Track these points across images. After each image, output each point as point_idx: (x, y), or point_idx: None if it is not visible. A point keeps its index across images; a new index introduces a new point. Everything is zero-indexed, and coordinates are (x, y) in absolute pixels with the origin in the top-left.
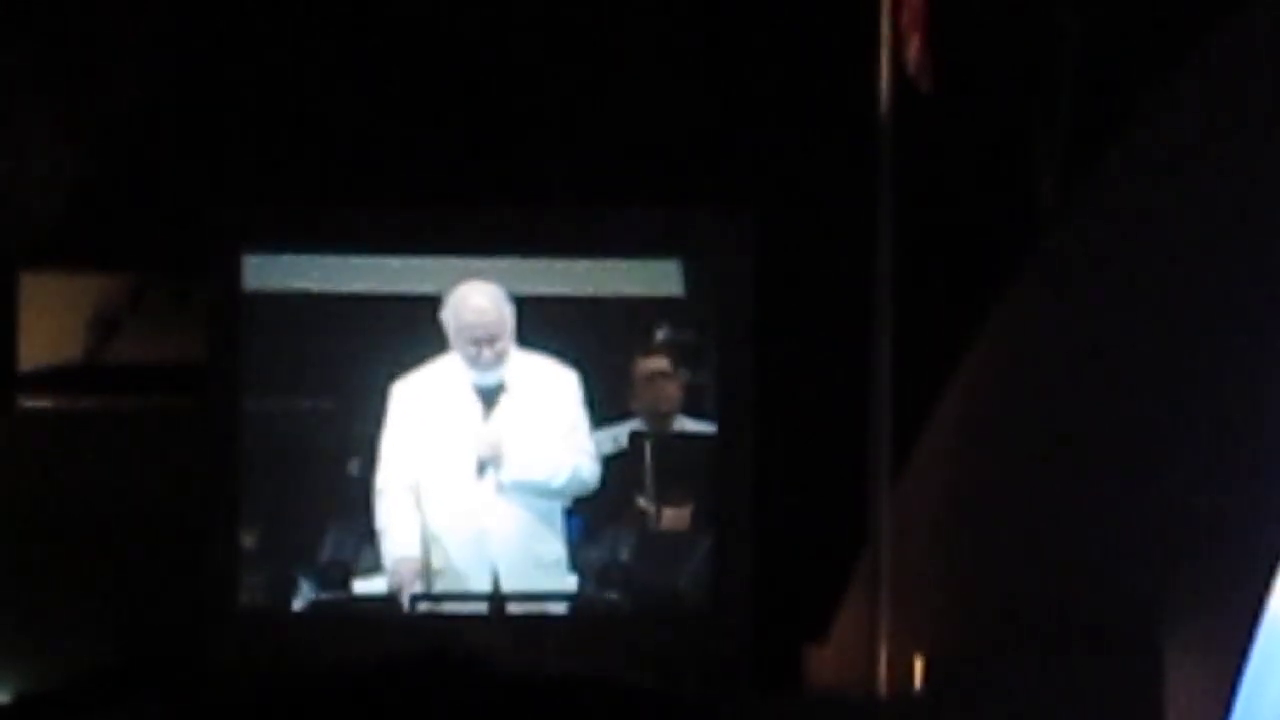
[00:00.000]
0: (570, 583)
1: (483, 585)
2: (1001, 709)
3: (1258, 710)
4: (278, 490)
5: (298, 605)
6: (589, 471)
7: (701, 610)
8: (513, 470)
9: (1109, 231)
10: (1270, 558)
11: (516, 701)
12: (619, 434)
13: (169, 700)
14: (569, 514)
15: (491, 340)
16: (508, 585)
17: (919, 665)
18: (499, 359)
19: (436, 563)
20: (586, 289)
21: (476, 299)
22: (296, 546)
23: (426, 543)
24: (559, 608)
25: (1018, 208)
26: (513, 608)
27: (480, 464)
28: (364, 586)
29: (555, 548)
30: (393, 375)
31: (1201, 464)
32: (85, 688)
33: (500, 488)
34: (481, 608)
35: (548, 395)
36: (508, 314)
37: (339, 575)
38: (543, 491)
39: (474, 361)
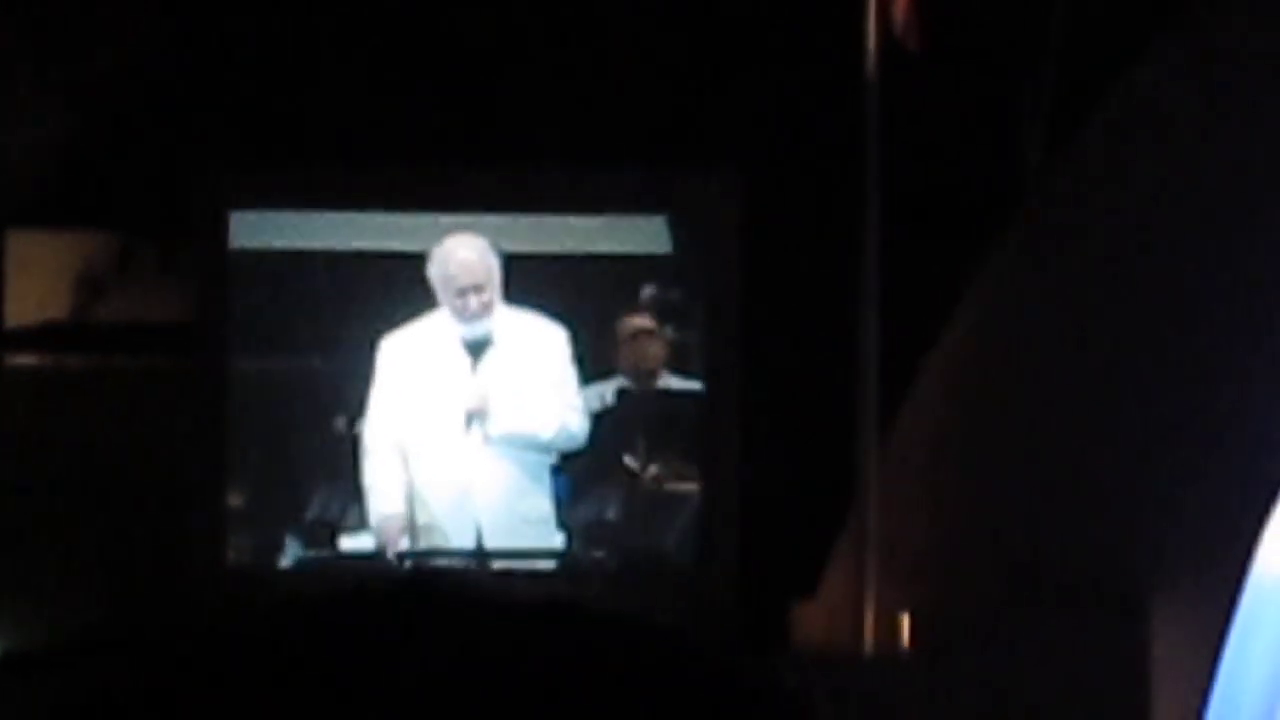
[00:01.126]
0: (557, 540)
1: (467, 542)
2: (988, 666)
3: (1244, 668)
4: (265, 449)
5: (284, 563)
6: (578, 426)
7: (688, 568)
8: (500, 423)
9: (1093, 194)
10: (1257, 516)
11: (498, 622)
12: (605, 391)
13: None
14: (556, 471)
15: (478, 289)
16: (492, 542)
17: (905, 623)
18: (485, 309)
19: (421, 519)
20: (573, 246)
21: (462, 251)
22: (284, 505)
23: (412, 500)
24: (545, 565)
25: (1005, 167)
26: (498, 565)
27: (467, 417)
28: (351, 544)
29: (541, 504)
30: (380, 332)
31: (1188, 423)
32: (71, 647)
33: (487, 441)
34: (465, 564)
35: (536, 350)
36: (494, 265)
37: (326, 533)
38: (531, 445)
39: (461, 313)
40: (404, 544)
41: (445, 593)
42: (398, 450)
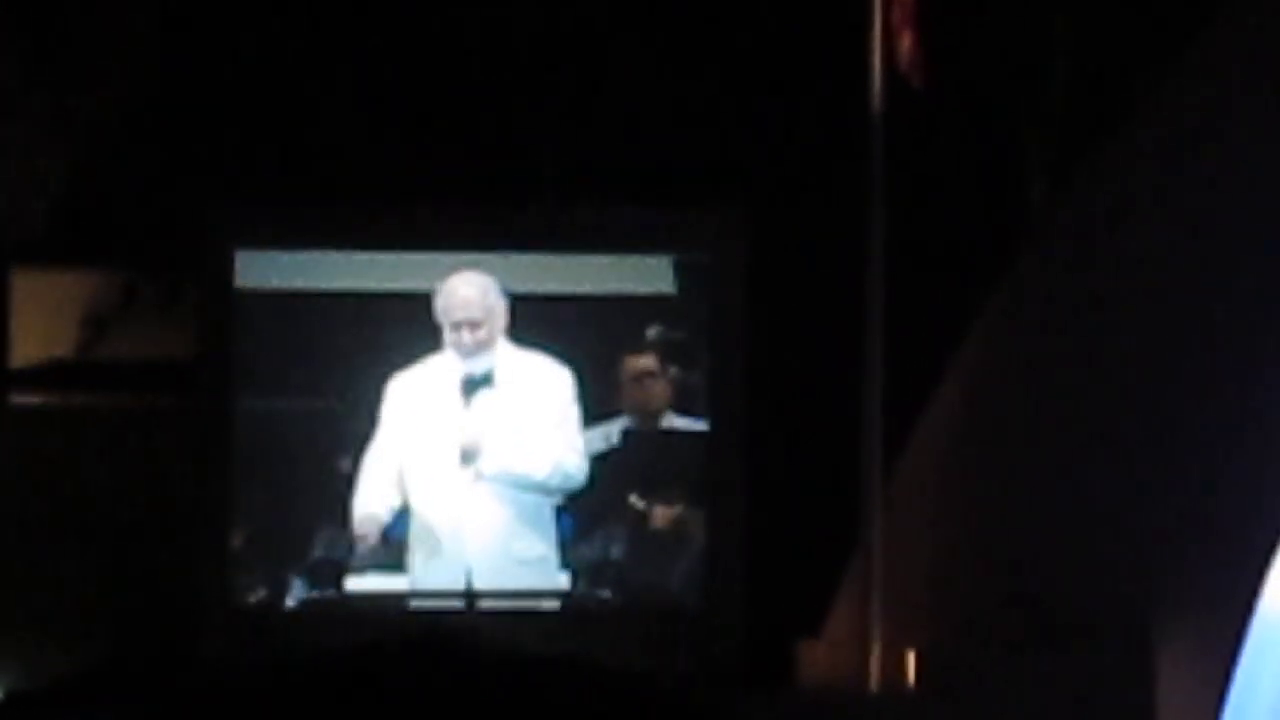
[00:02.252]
0: (559, 580)
1: (459, 579)
2: (993, 704)
3: (1249, 706)
4: (269, 489)
5: (290, 604)
6: (575, 468)
7: (694, 607)
8: (494, 462)
9: (1101, 229)
10: (1263, 553)
11: (504, 682)
12: (610, 431)
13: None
14: (560, 511)
15: (473, 325)
16: (481, 582)
17: (911, 661)
18: (481, 346)
19: (416, 555)
20: (578, 286)
21: (464, 288)
22: (288, 545)
23: (410, 537)
24: (549, 605)
25: (1010, 205)
26: (494, 604)
27: (462, 455)
28: (356, 585)
29: (537, 545)
30: (385, 374)
31: (1194, 460)
32: (76, 687)
33: (480, 479)
34: (457, 604)
35: (537, 390)
36: (495, 303)
37: (331, 574)
38: (525, 486)
39: (459, 348)
40: (373, 541)
41: (457, 648)
42: (393, 471)
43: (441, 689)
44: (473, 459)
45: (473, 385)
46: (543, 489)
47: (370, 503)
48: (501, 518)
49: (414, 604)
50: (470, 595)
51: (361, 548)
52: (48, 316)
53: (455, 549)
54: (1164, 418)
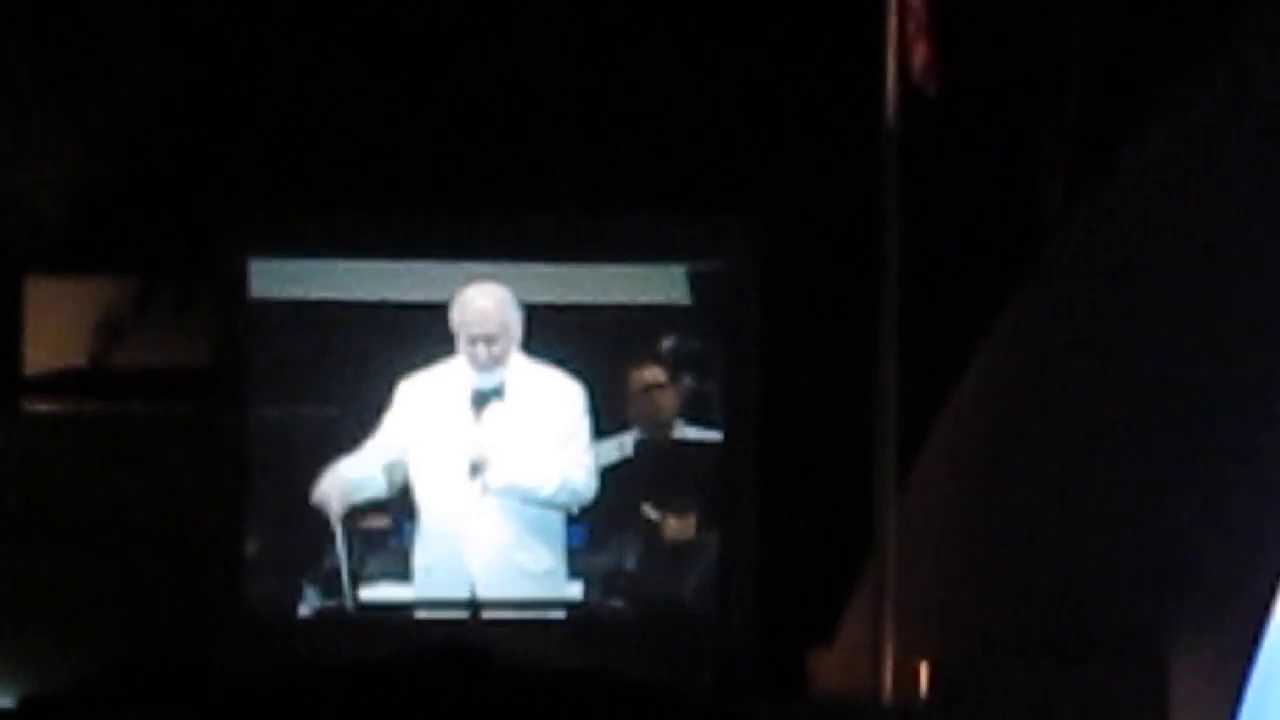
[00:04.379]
0: (573, 590)
1: (462, 588)
2: (1004, 715)
3: (1262, 718)
4: (283, 497)
5: (304, 612)
6: (582, 483)
7: (707, 616)
8: (500, 475)
9: (1114, 238)
10: (1274, 570)
11: (524, 693)
12: (624, 442)
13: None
14: (571, 522)
15: (489, 340)
16: (485, 591)
17: (923, 671)
18: (496, 361)
19: (422, 562)
20: (593, 296)
21: (480, 300)
22: (302, 553)
23: (416, 545)
24: (555, 615)
25: (1023, 214)
26: (497, 614)
27: (470, 467)
28: (370, 593)
29: (543, 557)
30: (398, 382)
31: (1208, 475)
32: (90, 692)
33: (487, 491)
34: (460, 614)
35: (547, 403)
36: (511, 316)
37: (342, 582)
38: (530, 499)
39: (473, 361)
40: (336, 508)
41: (478, 660)
42: (384, 463)
43: (467, 701)
44: (481, 471)
45: (483, 398)
46: (549, 504)
47: (347, 467)
48: (507, 530)
49: (422, 614)
50: (476, 605)
51: (326, 507)
52: (62, 325)
53: (461, 559)
54: (1177, 432)
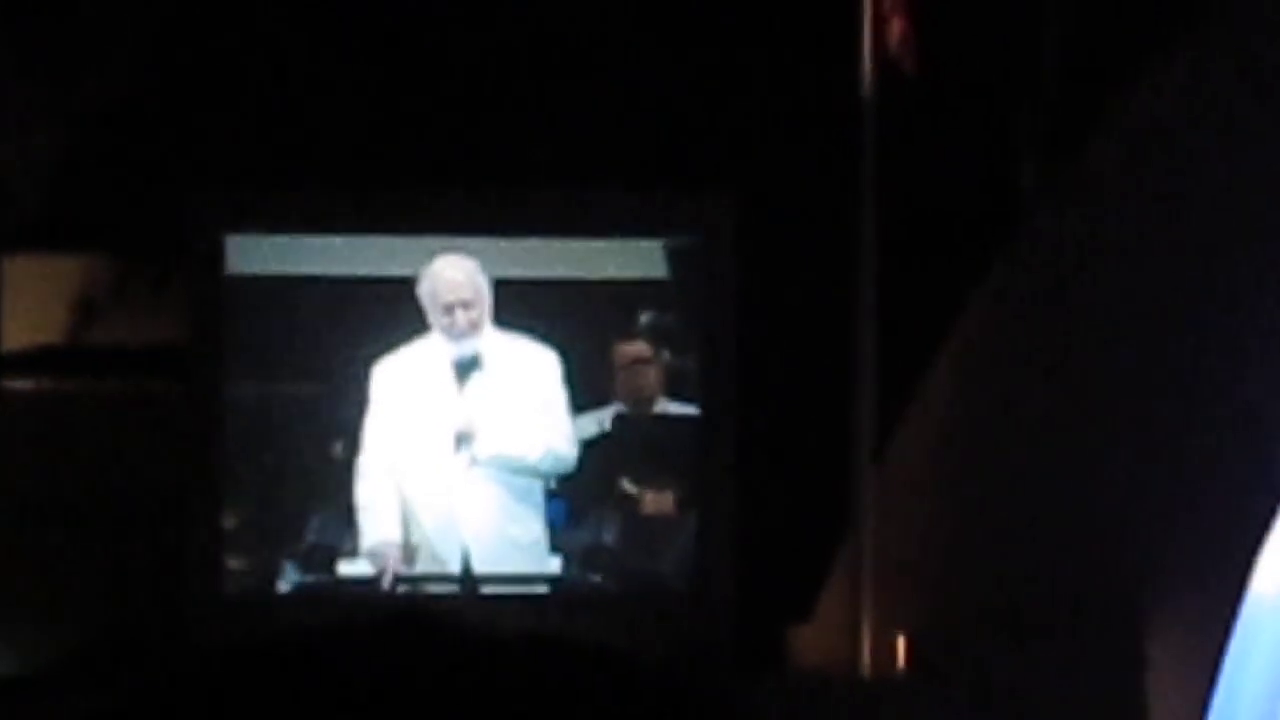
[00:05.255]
0: (551, 565)
1: (456, 564)
2: (985, 687)
3: (1240, 690)
4: (261, 474)
5: (283, 588)
6: (565, 450)
7: (685, 592)
8: (487, 446)
9: (1093, 215)
10: (1254, 536)
11: (482, 660)
12: (602, 418)
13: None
14: (550, 496)
15: (465, 305)
16: (480, 565)
17: (901, 644)
18: (474, 327)
19: (413, 539)
20: (569, 271)
21: (449, 271)
22: (281, 530)
23: (407, 523)
24: (540, 589)
25: (1002, 189)
26: (491, 589)
27: (456, 439)
28: (349, 569)
29: (533, 529)
30: (376, 357)
31: (1185, 443)
32: (66, 672)
33: (475, 463)
34: (454, 588)
35: (524, 372)
36: (482, 284)
37: (324, 558)
38: (518, 469)
39: (449, 331)
40: (399, 568)
41: (432, 626)
42: (392, 475)
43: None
44: (467, 443)
45: (463, 368)
46: (534, 472)
47: (379, 529)
48: (497, 501)
49: (407, 589)
50: (465, 580)
51: (384, 577)
52: (38, 302)
53: (450, 533)
54: (1154, 402)
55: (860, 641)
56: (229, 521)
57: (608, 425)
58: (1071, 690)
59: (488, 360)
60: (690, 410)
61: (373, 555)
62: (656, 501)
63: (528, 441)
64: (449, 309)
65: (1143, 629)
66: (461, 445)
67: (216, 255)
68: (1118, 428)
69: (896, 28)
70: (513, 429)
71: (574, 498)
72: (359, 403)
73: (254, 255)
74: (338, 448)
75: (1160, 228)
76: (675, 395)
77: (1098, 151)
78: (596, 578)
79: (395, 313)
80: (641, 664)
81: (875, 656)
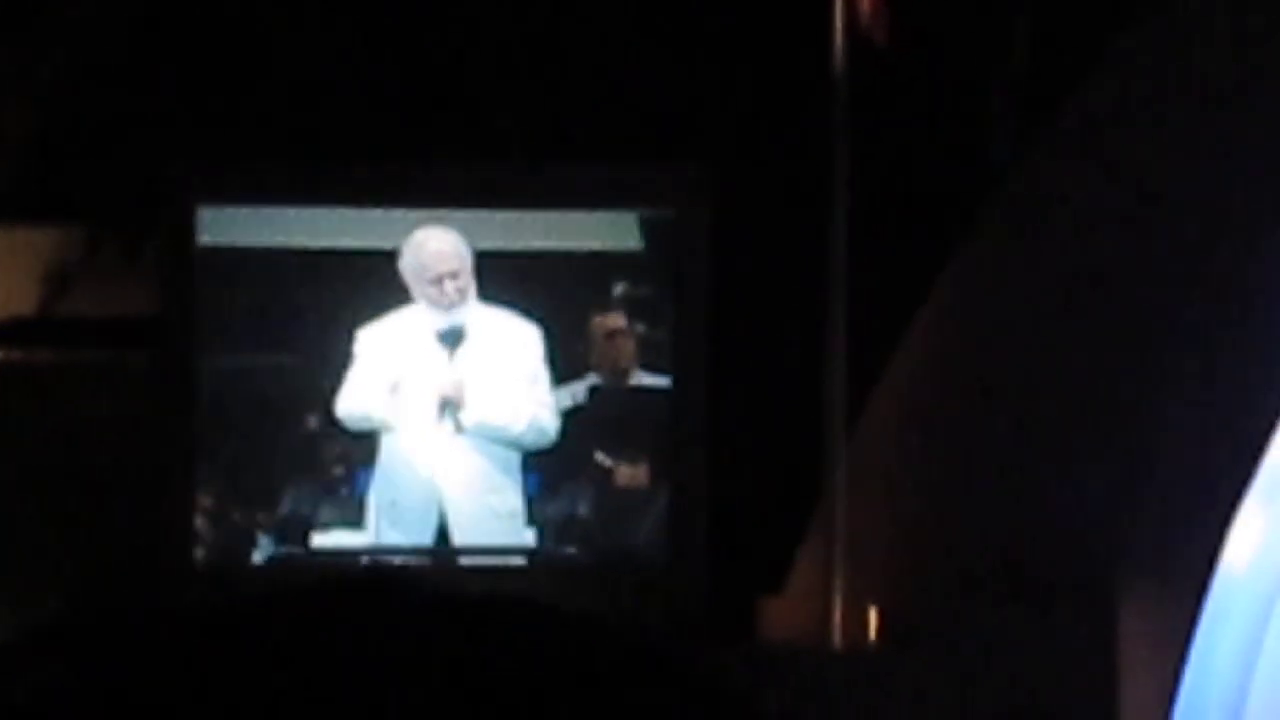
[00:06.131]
0: (527, 536)
1: (432, 531)
2: (956, 660)
3: (1211, 662)
4: (235, 445)
5: (256, 560)
6: (548, 422)
7: (658, 564)
8: (474, 414)
9: (1064, 185)
10: (1225, 512)
11: (450, 618)
12: (577, 390)
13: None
14: (527, 469)
15: (454, 275)
16: (458, 534)
17: (873, 617)
18: (462, 296)
19: (387, 503)
20: (544, 242)
21: (434, 242)
22: (255, 501)
23: (387, 488)
24: (516, 561)
25: (974, 162)
26: (468, 560)
27: (440, 406)
28: (323, 541)
29: (511, 499)
30: (350, 329)
31: (1156, 419)
32: (37, 643)
33: (459, 431)
34: (430, 560)
35: (509, 345)
36: (466, 255)
37: (299, 530)
38: (502, 438)
39: (437, 302)
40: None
41: (400, 590)
42: (371, 405)
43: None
44: (453, 411)
45: (449, 338)
46: (517, 443)
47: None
48: (477, 470)
49: (384, 559)
50: (442, 551)
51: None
52: (7, 273)
53: (432, 502)
54: (1127, 377)
55: (832, 613)
56: (202, 493)
57: (582, 397)
58: (1043, 663)
59: (472, 331)
60: (665, 382)
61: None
62: (630, 474)
63: (512, 412)
64: (438, 280)
65: (1115, 602)
66: (446, 413)
67: (188, 226)
68: (1088, 403)
69: (867, 0)
70: (498, 399)
71: (549, 470)
72: (333, 374)
73: (226, 226)
74: (312, 420)
75: (1133, 211)
76: (649, 367)
77: (1069, 121)
78: (571, 550)
79: (369, 285)
80: (613, 626)
81: (847, 628)
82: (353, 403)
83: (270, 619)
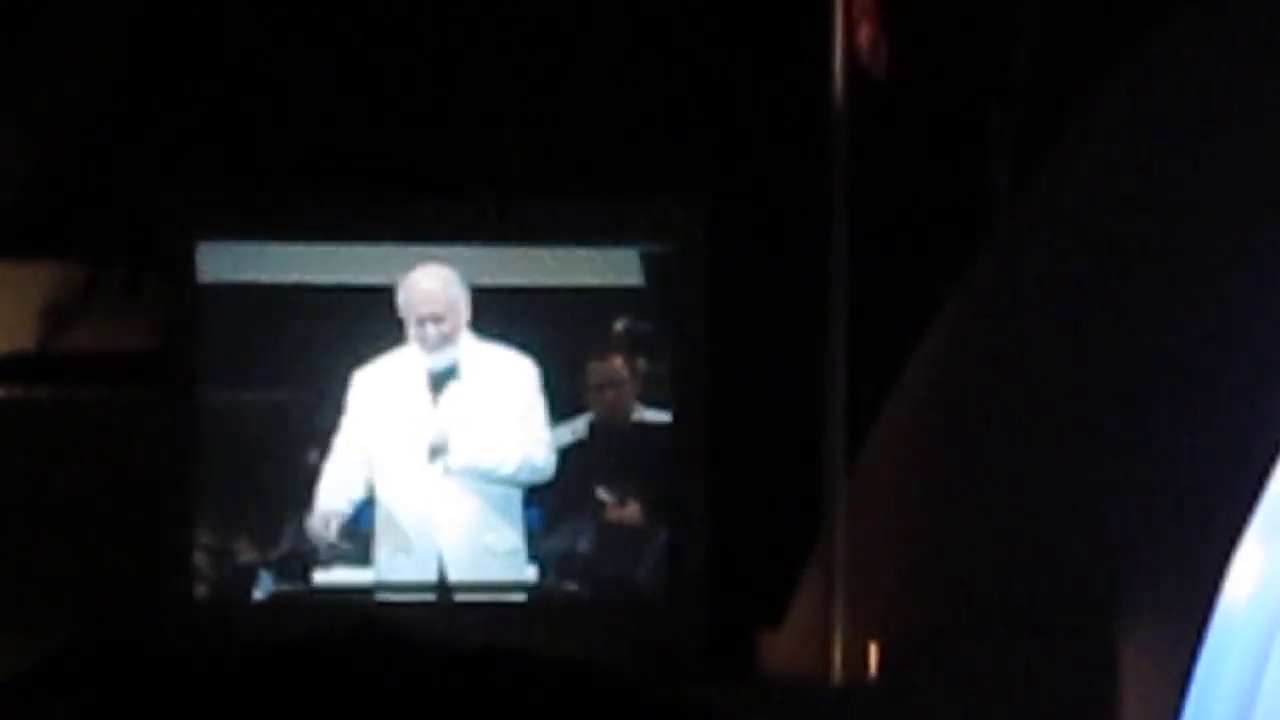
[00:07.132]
0: (528, 572)
1: (431, 572)
2: (955, 696)
3: (1211, 699)
4: (236, 481)
5: (258, 596)
6: (543, 459)
7: (658, 599)
8: (461, 456)
9: (1062, 217)
10: (1225, 547)
11: (436, 673)
12: (577, 426)
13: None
14: (528, 504)
15: (436, 319)
16: (455, 573)
17: (873, 652)
18: (445, 340)
19: (386, 547)
20: (544, 279)
21: (426, 282)
22: (255, 538)
23: (384, 530)
24: (517, 597)
25: (974, 195)
26: (466, 596)
27: (430, 449)
28: (324, 577)
29: (509, 536)
30: (350, 365)
31: (1158, 454)
32: (38, 679)
33: (449, 473)
34: (431, 596)
35: (501, 381)
36: (458, 296)
37: (298, 566)
38: (492, 478)
39: (422, 343)
40: (331, 536)
41: (393, 642)
42: (360, 468)
43: (377, 682)
44: (441, 453)
45: (438, 379)
46: (510, 481)
47: (333, 497)
48: (472, 510)
49: (383, 597)
50: (441, 588)
51: (320, 541)
52: (9, 309)
53: (425, 542)
54: (1128, 411)
55: (832, 648)
56: (203, 529)
57: (582, 433)
58: (1043, 700)
59: (465, 370)
60: (665, 417)
61: (317, 521)
62: (631, 509)
63: (502, 452)
64: (421, 321)
65: (1114, 638)
66: (435, 456)
67: (188, 262)
68: (1090, 433)
69: (866, 33)
70: (487, 439)
71: (550, 505)
72: (332, 410)
73: (226, 262)
74: (312, 455)
75: (1130, 232)
76: (650, 402)
77: (1067, 152)
78: (572, 585)
79: (369, 321)
80: (607, 676)
81: (847, 664)
82: (344, 447)
83: (265, 672)
